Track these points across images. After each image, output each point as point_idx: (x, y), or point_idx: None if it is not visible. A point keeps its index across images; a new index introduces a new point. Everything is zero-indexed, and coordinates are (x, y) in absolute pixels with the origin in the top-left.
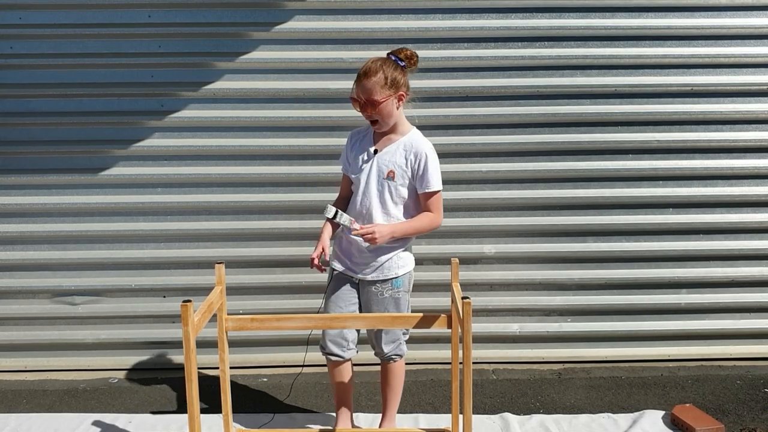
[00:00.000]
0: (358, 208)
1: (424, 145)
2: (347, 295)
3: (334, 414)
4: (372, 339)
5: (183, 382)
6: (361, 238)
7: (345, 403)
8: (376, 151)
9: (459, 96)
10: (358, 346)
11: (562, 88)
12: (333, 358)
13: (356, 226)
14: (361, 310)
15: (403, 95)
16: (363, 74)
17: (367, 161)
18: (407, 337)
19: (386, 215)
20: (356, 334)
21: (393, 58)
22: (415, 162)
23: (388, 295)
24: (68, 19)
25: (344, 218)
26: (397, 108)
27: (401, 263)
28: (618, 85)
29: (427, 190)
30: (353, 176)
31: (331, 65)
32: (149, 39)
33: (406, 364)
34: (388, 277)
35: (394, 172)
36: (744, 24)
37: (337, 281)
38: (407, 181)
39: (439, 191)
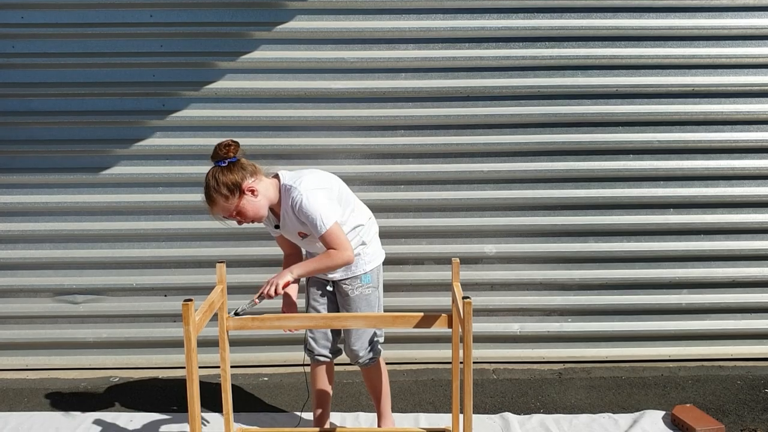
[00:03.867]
0: (306, 256)
1: (295, 198)
2: (319, 300)
3: (338, 413)
4: (346, 344)
5: (184, 381)
6: (266, 296)
7: (326, 407)
8: (277, 227)
9: (460, 96)
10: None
11: (563, 88)
12: (320, 358)
13: (256, 299)
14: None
15: (251, 187)
16: (206, 202)
17: (279, 232)
18: (382, 338)
19: None
20: (337, 336)
21: (217, 164)
22: (301, 216)
23: (359, 293)
24: (70, 18)
25: (246, 307)
26: (256, 198)
27: (367, 259)
28: (619, 85)
29: (317, 235)
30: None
31: (333, 65)
32: (151, 38)
33: (408, 363)
34: (356, 274)
35: (302, 232)
36: (745, 24)
37: (311, 289)
38: None
39: (327, 230)
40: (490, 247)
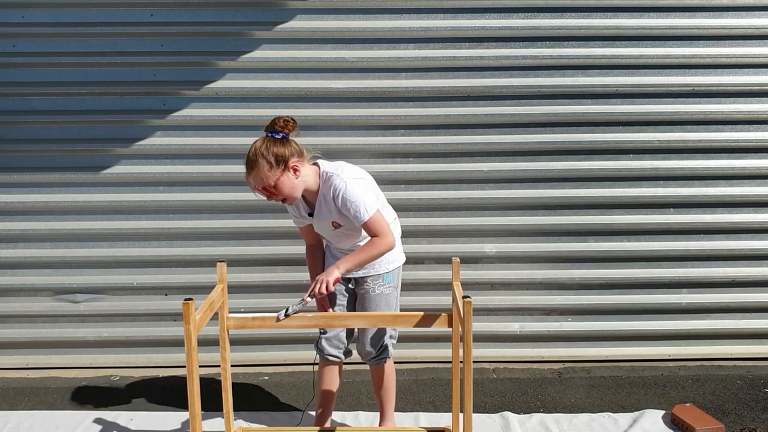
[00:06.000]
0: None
1: (338, 185)
2: (339, 298)
3: (338, 412)
4: (360, 341)
5: (184, 380)
6: (317, 295)
7: (328, 407)
8: (311, 214)
9: (460, 96)
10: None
11: (564, 88)
12: (330, 358)
13: (307, 298)
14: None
15: (295, 165)
16: (247, 166)
17: (313, 219)
18: (395, 340)
19: (361, 242)
20: (349, 338)
21: (269, 134)
22: (341, 205)
23: (380, 292)
24: (71, 17)
25: (295, 307)
26: (297, 178)
27: (390, 258)
28: (619, 85)
29: (359, 223)
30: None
31: (333, 65)
32: (151, 38)
33: (408, 363)
34: (379, 272)
35: (335, 222)
36: (745, 24)
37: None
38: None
39: (371, 217)
40: (490, 247)
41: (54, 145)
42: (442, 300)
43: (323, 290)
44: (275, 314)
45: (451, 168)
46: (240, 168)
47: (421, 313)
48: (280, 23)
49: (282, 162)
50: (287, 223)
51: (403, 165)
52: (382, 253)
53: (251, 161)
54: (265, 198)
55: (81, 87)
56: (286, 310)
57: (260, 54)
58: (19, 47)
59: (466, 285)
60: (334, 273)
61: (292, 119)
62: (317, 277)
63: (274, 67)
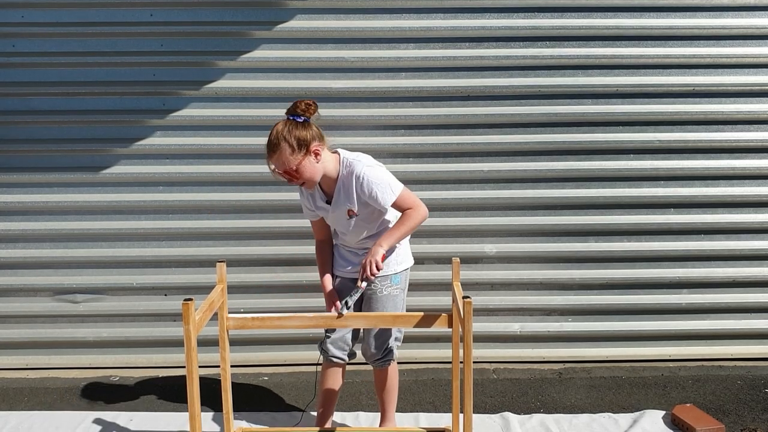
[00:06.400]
0: (336, 241)
1: (360, 170)
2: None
3: (338, 413)
4: (365, 343)
5: (184, 380)
6: (371, 278)
7: (330, 408)
8: (328, 201)
9: (460, 95)
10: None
11: (564, 88)
12: (334, 360)
13: (361, 284)
14: (361, 311)
15: (317, 150)
16: (268, 149)
17: (327, 209)
18: (400, 342)
19: (370, 238)
20: (354, 340)
21: (291, 117)
22: (362, 191)
23: (387, 293)
24: (70, 17)
25: (354, 295)
26: (317, 162)
27: (399, 260)
28: (619, 85)
29: (391, 203)
30: (325, 219)
31: (333, 64)
32: (151, 38)
33: (408, 363)
34: (387, 273)
35: (352, 210)
36: (745, 24)
37: (342, 285)
38: (370, 206)
39: (399, 195)
40: (490, 247)
41: (54, 145)
42: (442, 300)
43: (375, 271)
44: (334, 312)
45: (451, 168)
46: (240, 168)
47: (421, 313)
48: (280, 23)
49: (304, 146)
50: (287, 223)
51: (403, 165)
52: (419, 223)
53: (273, 144)
54: (286, 181)
55: (80, 87)
56: (346, 303)
57: (260, 54)
58: (18, 47)
59: (466, 285)
60: (379, 251)
61: (314, 102)
62: (364, 261)
63: (274, 67)
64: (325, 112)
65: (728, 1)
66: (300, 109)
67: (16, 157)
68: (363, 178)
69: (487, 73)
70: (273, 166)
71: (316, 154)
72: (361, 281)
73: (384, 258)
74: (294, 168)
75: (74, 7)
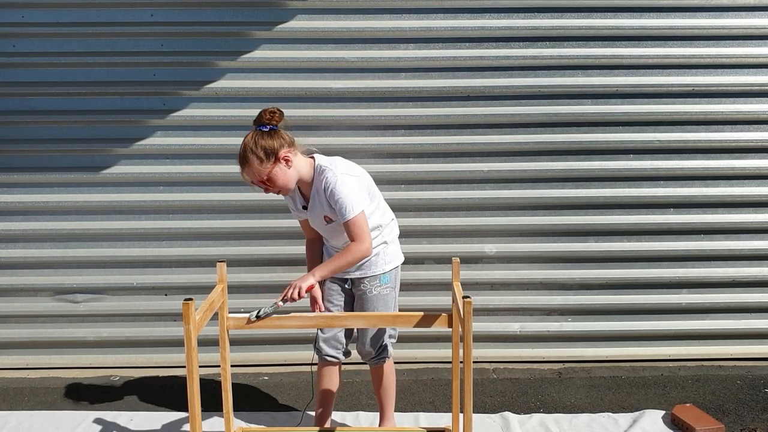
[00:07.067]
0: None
1: (329, 179)
2: (336, 298)
3: (338, 412)
4: (359, 341)
5: (184, 380)
6: (289, 300)
7: (328, 407)
8: (305, 207)
9: (460, 96)
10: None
11: (564, 88)
12: (329, 358)
13: (279, 302)
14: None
15: (286, 156)
16: (239, 163)
17: (307, 212)
18: (395, 340)
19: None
20: (348, 338)
21: (257, 128)
22: (330, 200)
23: (377, 293)
24: (70, 17)
25: (268, 310)
26: (289, 168)
27: (387, 259)
28: (619, 85)
29: (342, 220)
30: (309, 221)
31: (333, 65)
32: (151, 38)
33: (408, 363)
34: (376, 274)
35: (327, 216)
36: (745, 24)
37: (328, 286)
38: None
39: (353, 218)
40: (490, 247)
41: (53, 145)
42: (442, 300)
43: (295, 296)
44: (246, 314)
45: (451, 168)
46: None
47: (421, 313)
48: (280, 23)
49: (272, 154)
50: (287, 223)
51: (403, 165)
52: (358, 260)
53: (242, 158)
54: (263, 190)
55: (81, 87)
56: (258, 312)
57: (260, 54)
58: (19, 47)
59: (466, 285)
60: (308, 280)
61: (278, 110)
62: (292, 282)
63: (274, 67)
64: (325, 112)
65: (728, 1)
66: (265, 119)
67: (16, 157)
68: (329, 189)
69: (487, 73)
70: (248, 178)
71: (287, 161)
72: (281, 300)
73: (311, 287)
74: (265, 178)
75: (74, 7)
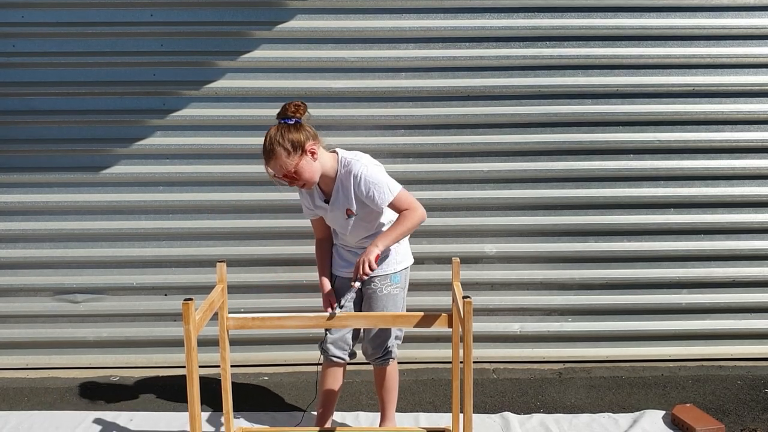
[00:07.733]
0: (336, 240)
1: (358, 169)
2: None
3: (338, 413)
4: (365, 342)
5: (184, 380)
6: (363, 277)
7: (330, 408)
8: (327, 201)
9: (460, 95)
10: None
11: (564, 88)
12: (334, 359)
13: (356, 284)
14: (361, 311)
15: (312, 149)
16: (265, 156)
17: (325, 208)
18: (400, 341)
19: (369, 237)
20: (355, 340)
21: (282, 121)
22: (360, 191)
23: (387, 292)
24: (70, 17)
25: (348, 296)
26: (315, 161)
27: (399, 258)
28: (619, 85)
29: (387, 203)
30: (324, 218)
31: (333, 64)
32: (151, 38)
33: (408, 363)
34: (387, 273)
35: (350, 209)
36: (745, 24)
37: (341, 285)
38: (368, 206)
39: (397, 195)
40: (490, 247)
41: (53, 145)
42: (442, 300)
43: (368, 270)
44: (329, 311)
45: (451, 168)
46: (240, 168)
47: (421, 313)
48: (280, 23)
49: (299, 147)
50: (287, 223)
51: (403, 165)
52: (416, 224)
53: (268, 150)
54: (287, 184)
55: (80, 87)
56: (340, 304)
57: (260, 54)
58: (18, 47)
59: (466, 285)
60: (374, 251)
61: (303, 103)
62: (358, 260)
63: (274, 67)
64: (325, 112)
65: (728, 1)
66: (290, 112)
67: (16, 157)
68: (361, 178)
69: (487, 73)
70: (272, 172)
71: (312, 153)
72: (355, 281)
73: (378, 258)
74: (292, 170)
75: (74, 7)
